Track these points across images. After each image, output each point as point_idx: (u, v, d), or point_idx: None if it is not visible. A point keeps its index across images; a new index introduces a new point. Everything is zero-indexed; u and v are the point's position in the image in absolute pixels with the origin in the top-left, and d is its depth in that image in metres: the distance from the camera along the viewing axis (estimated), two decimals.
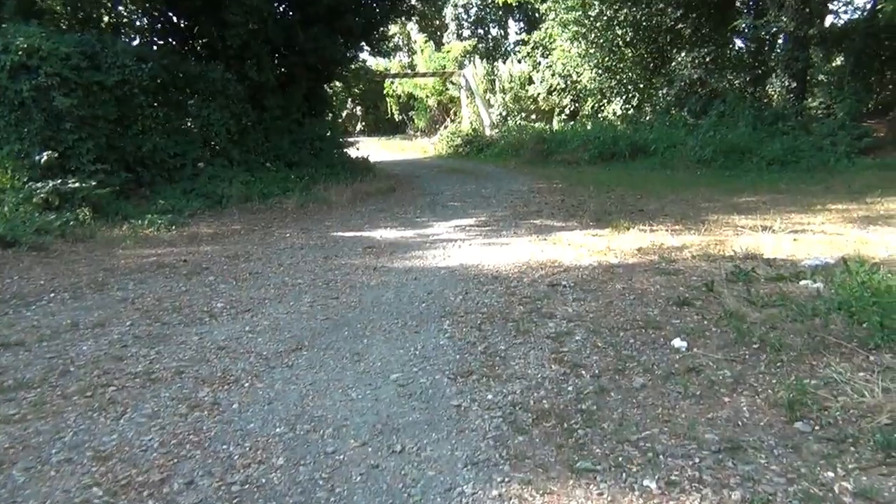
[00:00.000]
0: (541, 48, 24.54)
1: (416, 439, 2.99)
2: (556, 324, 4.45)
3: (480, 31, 36.32)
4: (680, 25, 19.79)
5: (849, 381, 3.22)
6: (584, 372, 3.63)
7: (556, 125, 23.21)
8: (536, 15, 25.63)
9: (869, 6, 17.93)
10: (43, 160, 9.02)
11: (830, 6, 18.30)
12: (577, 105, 23.83)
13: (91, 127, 9.74)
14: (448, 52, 31.04)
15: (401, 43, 36.62)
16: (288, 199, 10.92)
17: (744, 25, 18.16)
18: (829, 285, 4.72)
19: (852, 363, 3.48)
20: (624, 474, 2.62)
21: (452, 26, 35.52)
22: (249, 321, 4.88)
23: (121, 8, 13.22)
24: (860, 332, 3.79)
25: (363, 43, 15.90)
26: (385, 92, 33.79)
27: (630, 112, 20.68)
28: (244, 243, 8.03)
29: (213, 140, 11.87)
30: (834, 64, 20.76)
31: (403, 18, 21.92)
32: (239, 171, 11.70)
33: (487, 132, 24.13)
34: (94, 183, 9.12)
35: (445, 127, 28.13)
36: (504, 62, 28.58)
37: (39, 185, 8.67)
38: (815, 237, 6.78)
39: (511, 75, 26.74)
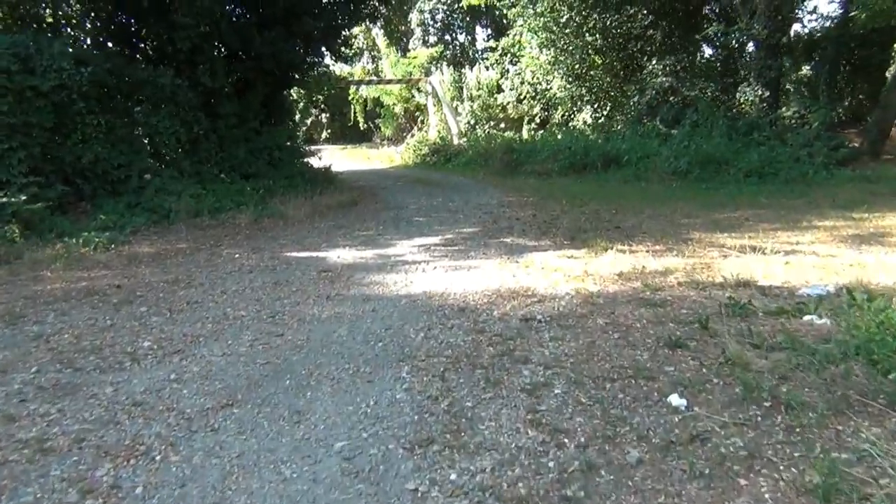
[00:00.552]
0: (509, 55, 24.09)
1: None
2: (531, 371, 3.84)
3: (447, 37, 35.65)
4: (650, 32, 19.44)
5: (886, 453, 2.66)
6: (566, 440, 3.02)
7: (525, 134, 22.73)
8: (504, 21, 25.15)
9: (837, 14, 17.76)
10: None
11: (797, 14, 18.09)
12: (547, 113, 23.39)
13: (23, 136, 8.88)
14: (414, 58, 30.36)
15: (365, 48, 35.82)
16: (241, 214, 10.16)
17: (715, 33, 17.83)
18: (837, 321, 4.20)
19: (885, 428, 2.93)
20: None
21: (418, 32, 34.74)
22: (177, 366, 4.19)
23: (64, 8, 12.34)
24: (887, 385, 3.24)
25: (324, 48, 15.15)
26: (350, 98, 33.05)
27: (601, 121, 20.26)
28: (187, 265, 7.29)
29: (162, 150, 11.08)
30: (801, 72, 20.63)
31: (367, 22, 21.23)
32: (190, 184, 10.90)
33: (455, 141, 23.58)
34: (24, 197, 8.29)
35: (412, 135, 27.52)
36: (472, 69, 28.06)
37: None
38: (807, 259, 6.29)
39: (479, 83, 26.25)
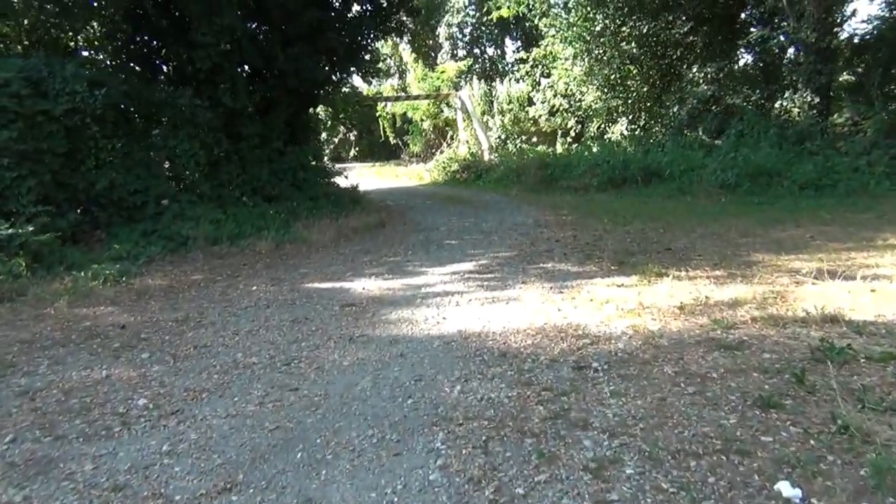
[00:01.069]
0: (541, 66, 23.40)
1: None
2: (593, 441, 3.13)
3: (476, 50, 35.01)
4: (690, 38, 18.61)
5: None
6: None
7: (559, 148, 21.99)
8: (535, 31, 24.45)
9: (886, 16, 16.75)
10: None
11: (846, 15, 17.12)
12: (581, 126, 22.63)
13: (34, 163, 8.46)
14: (442, 72, 29.76)
15: (392, 64, 35.36)
16: (262, 240, 9.58)
17: (758, 38, 16.93)
18: None
19: None
20: None
21: (447, 45, 34.17)
22: (172, 432, 3.57)
23: (83, 30, 12.00)
24: None
25: (350, 64, 14.61)
26: (378, 114, 32.60)
27: (638, 133, 19.42)
28: (199, 300, 6.71)
29: (181, 173, 10.60)
30: (845, 77, 19.59)
31: (394, 37, 20.70)
32: (210, 208, 10.38)
33: (486, 156, 22.92)
34: (31, 228, 7.80)
35: (441, 152, 26.93)
36: (502, 82, 27.40)
37: None
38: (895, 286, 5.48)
39: (510, 96, 25.60)
